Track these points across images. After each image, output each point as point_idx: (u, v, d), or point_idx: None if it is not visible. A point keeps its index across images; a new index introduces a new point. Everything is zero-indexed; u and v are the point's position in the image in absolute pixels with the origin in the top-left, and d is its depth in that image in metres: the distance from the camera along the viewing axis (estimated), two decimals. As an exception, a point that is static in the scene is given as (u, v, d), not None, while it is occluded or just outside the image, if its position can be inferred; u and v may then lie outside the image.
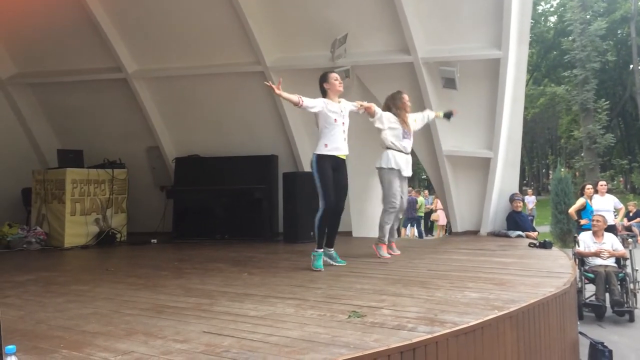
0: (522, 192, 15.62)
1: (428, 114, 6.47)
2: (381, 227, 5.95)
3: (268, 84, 5.12)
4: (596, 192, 9.44)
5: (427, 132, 8.05)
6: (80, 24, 8.60)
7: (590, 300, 6.90)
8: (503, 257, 5.81)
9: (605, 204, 9.22)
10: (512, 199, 8.15)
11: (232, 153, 8.69)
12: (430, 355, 2.68)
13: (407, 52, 7.71)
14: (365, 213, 9.28)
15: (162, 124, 9.39)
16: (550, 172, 44.62)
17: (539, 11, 36.23)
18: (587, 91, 28.01)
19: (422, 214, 17.97)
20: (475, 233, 8.20)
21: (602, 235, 7.26)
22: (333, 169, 5.16)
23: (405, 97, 6.02)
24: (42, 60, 9.28)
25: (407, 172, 5.95)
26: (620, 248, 7.21)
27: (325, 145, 5.16)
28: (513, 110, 8.12)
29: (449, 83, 7.63)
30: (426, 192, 20.68)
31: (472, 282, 4.25)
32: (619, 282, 6.80)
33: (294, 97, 5.02)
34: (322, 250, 5.15)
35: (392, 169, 5.83)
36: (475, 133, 7.94)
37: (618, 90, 34.85)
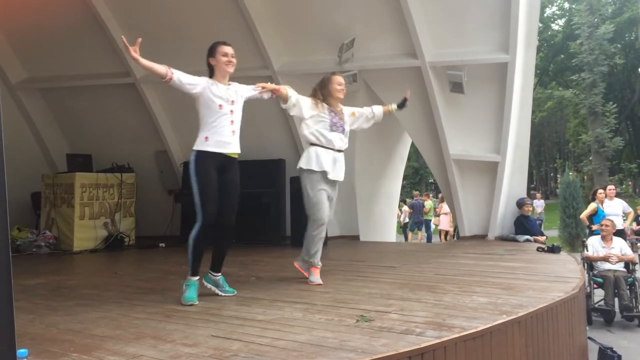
0: (530, 196, 15.57)
1: (374, 111, 5.08)
2: (308, 245, 4.77)
3: (123, 40, 3.91)
4: (605, 196, 9.41)
5: (435, 136, 8.06)
6: (89, 29, 8.66)
7: (599, 305, 6.86)
8: (511, 262, 5.79)
9: (614, 208, 9.19)
10: (521, 203, 8.12)
11: (239, 157, 8.70)
12: (439, 360, 2.68)
13: (414, 56, 7.71)
14: (373, 217, 9.29)
15: (170, 128, 9.43)
16: (558, 176, 44.46)
17: (546, 15, 36.14)
18: (595, 94, 27.90)
19: (431, 218, 17.91)
20: (483, 237, 8.17)
21: (611, 239, 7.22)
22: (218, 171, 3.99)
23: (338, 79, 4.80)
24: (52, 65, 9.35)
25: (336, 174, 4.69)
26: (629, 252, 7.18)
27: (206, 138, 3.94)
28: (521, 114, 8.10)
29: (457, 87, 7.62)
30: (431, 195, 20.60)
31: (480, 286, 4.24)
32: (628, 287, 6.76)
33: (161, 68, 3.92)
34: (196, 278, 3.95)
35: (311, 170, 4.62)
36: (483, 137, 7.92)
37: (626, 93, 34.68)
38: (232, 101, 4.05)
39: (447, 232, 16.27)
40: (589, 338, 5.17)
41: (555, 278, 4.63)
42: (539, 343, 3.41)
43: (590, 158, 29.82)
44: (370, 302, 3.74)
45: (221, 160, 3.98)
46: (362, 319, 3.20)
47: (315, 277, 4.64)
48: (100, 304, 3.99)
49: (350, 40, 7.81)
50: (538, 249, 6.69)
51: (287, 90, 4.59)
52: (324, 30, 7.98)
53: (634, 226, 13.03)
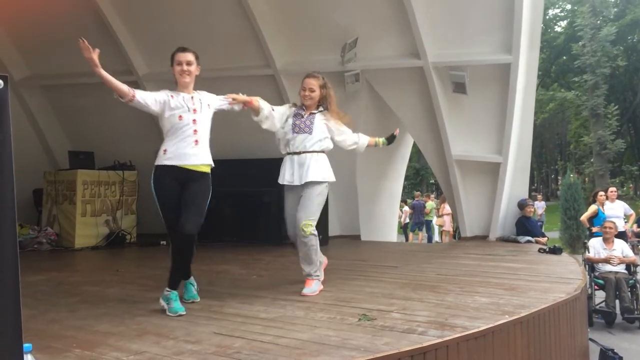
0: (532, 198, 15.56)
1: (359, 141, 4.69)
2: (314, 260, 4.27)
3: (83, 42, 3.50)
4: (606, 198, 9.41)
5: (437, 136, 8.05)
6: (92, 27, 8.66)
7: (600, 307, 6.86)
8: (512, 263, 5.79)
9: (615, 210, 9.19)
10: (523, 204, 8.12)
11: (241, 156, 8.70)
12: (441, 359, 2.68)
13: (417, 56, 7.71)
14: (374, 216, 9.29)
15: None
16: (560, 177, 44.43)
17: (549, 16, 36.11)
18: (597, 96, 27.86)
19: (432, 218, 17.89)
20: (484, 238, 8.17)
21: (613, 241, 7.22)
22: (180, 185, 3.73)
23: (305, 83, 4.43)
24: (54, 63, 9.35)
25: (300, 178, 4.35)
26: (630, 254, 7.17)
27: (165, 151, 3.72)
28: (523, 115, 8.10)
29: (459, 88, 7.62)
30: (432, 196, 20.56)
31: (481, 287, 4.25)
32: (629, 289, 6.74)
33: (122, 86, 3.70)
34: (175, 290, 3.65)
35: (281, 184, 4.48)
36: (485, 138, 7.92)
37: (628, 95, 34.64)
38: (195, 110, 3.76)
39: (448, 233, 16.25)
40: (591, 339, 5.17)
41: (557, 279, 4.63)
42: (540, 343, 3.41)
43: (592, 160, 29.78)
44: (373, 301, 3.74)
45: (183, 173, 3.70)
46: (365, 317, 3.20)
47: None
48: (102, 300, 4.00)
49: (353, 40, 7.81)
50: (539, 250, 6.69)
51: (259, 102, 4.31)
52: (327, 30, 7.98)
53: (635, 228, 13.03)
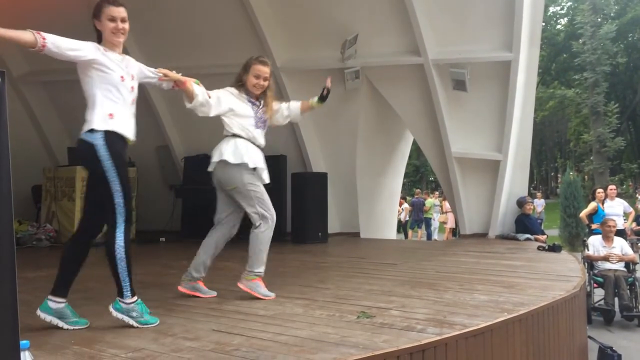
0: (531, 195, 15.53)
1: (291, 108, 4.35)
2: (262, 250, 4.15)
3: None
4: (606, 196, 9.41)
5: (437, 134, 8.05)
6: (90, 22, 8.64)
7: (599, 305, 6.86)
8: (512, 260, 5.79)
9: (615, 208, 9.19)
10: (523, 201, 8.12)
11: None
12: (440, 356, 2.68)
13: (417, 53, 7.70)
14: (373, 214, 9.28)
15: (172, 124, 9.43)
16: (559, 175, 44.45)
17: (549, 13, 36.07)
18: (597, 94, 27.88)
19: (431, 216, 17.87)
20: (483, 236, 8.17)
21: (612, 239, 7.22)
22: None
23: (257, 69, 3.98)
24: (54, 58, 9.32)
25: (266, 176, 4.15)
26: (629, 252, 7.17)
27: (110, 115, 3.09)
28: (523, 112, 8.09)
29: (459, 85, 7.61)
30: (436, 193, 20.48)
31: (481, 284, 4.25)
32: (628, 287, 6.75)
33: (25, 34, 2.92)
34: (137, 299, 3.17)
35: (243, 164, 3.90)
36: (485, 135, 7.92)
37: (628, 93, 34.64)
38: (132, 76, 3.22)
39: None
40: (589, 337, 5.17)
41: (556, 277, 4.63)
42: (539, 341, 3.41)
43: (592, 158, 29.80)
44: (372, 298, 3.74)
45: (125, 148, 3.18)
46: (363, 315, 3.20)
47: (265, 289, 4.00)
48: (101, 297, 3.98)
49: (354, 37, 7.79)
50: (539, 248, 6.70)
51: (194, 86, 3.73)
52: (327, 27, 7.97)
53: (634, 226, 13.03)
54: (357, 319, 3.12)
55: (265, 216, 4.06)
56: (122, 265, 3.12)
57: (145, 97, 9.16)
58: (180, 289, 3.99)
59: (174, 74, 3.56)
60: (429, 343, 2.65)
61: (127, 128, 3.13)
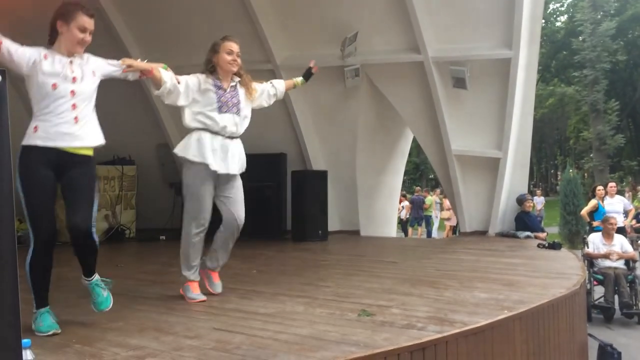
0: (531, 193, 15.52)
1: (276, 86, 4.17)
2: (187, 251, 3.91)
3: None
4: (606, 193, 9.41)
5: (437, 131, 8.04)
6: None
7: (599, 302, 6.87)
8: (512, 258, 5.80)
9: (615, 206, 9.19)
10: (522, 199, 8.12)
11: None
12: (440, 354, 2.69)
13: (417, 51, 7.69)
14: (374, 211, 9.28)
15: (172, 121, 9.41)
16: (559, 172, 44.43)
17: (549, 10, 36.03)
18: (597, 92, 27.83)
19: (431, 213, 17.85)
20: (483, 233, 8.17)
21: (612, 237, 7.22)
22: (55, 171, 3.02)
23: (229, 46, 3.82)
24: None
25: (227, 167, 3.74)
26: (629, 250, 7.17)
27: (35, 128, 2.99)
28: (523, 110, 8.09)
29: (459, 83, 7.61)
30: (437, 190, 20.42)
31: (481, 282, 4.25)
32: (628, 284, 6.74)
33: None
34: (45, 308, 3.03)
35: (191, 161, 3.70)
36: (485, 133, 7.91)
37: (628, 90, 34.59)
38: (74, 78, 3.05)
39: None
40: (589, 335, 5.17)
41: (556, 274, 4.64)
42: (539, 339, 3.42)
43: (591, 155, 29.76)
44: (372, 296, 3.74)
45: (59, 156, 2.99)
46: (364, 313, 3.21)
47: (195, 292, 3.78)
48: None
49: (353, 34, 7.78)
50: (539, 246, 6.70)
51: (162, 72, 3.55)
52: (327, 24, 7.96)
53: (634, 223, 13.04)
54: (358, 317, 3.13)
55: (189, 216, 3.91)
56: (27, 278, 2.99)
57: (145, 95, 9.16)
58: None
59: (138, 63, 3.42)
60: (429, 341, 2.65)
61: (57, 138, 2.98)
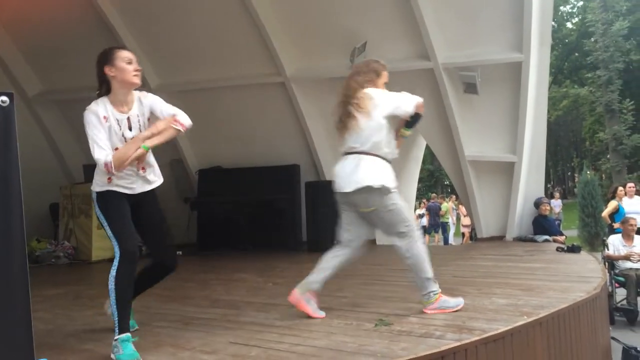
0: (548, 196, 15.36)
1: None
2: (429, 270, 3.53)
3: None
4: (625, 194, 9.28)
5: (449, 138, 8.00)
6: (102, 40, 8.71)
7: (621, 305, 6.76)
8: (530, 262, 5.72)
9: (634, 206, 9.04)
10: (539, 202, 8.04)
11: (254, 164, 8.72)
12: (459, 363, 2.65)
13: (427, 58, 7.68)
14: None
15: (185, 137, 9.47)
16: (576, 175, 43.99)
17: (560, 13, 35.85)
18: (612, 92, 27.56)
19: (448, 220, 17.74)
20: (500, 238, 8.09)
21: (632, 238, 7.12)
22: (132, 207, 3.20)
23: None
24: (67, 77, 9.43)
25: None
26: (650, 251, 7.06)
27: (109, 180, 3.07)
28: (536, 113, 8.03)
29: (470, 88, 7.57)
30: (453, 197, 20.29)
31: (499, 288, 4.20)
32: (650, 286, 6.64)
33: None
34: (127, 334, 2.82)
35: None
36: (498, 137, 7.86)
37: (643, 89, 34.22)
38: (131, 128, 3.10)
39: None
40: (613, 338, 5.09)
41: (577, 278, 4.57)
42: (561, 344, 3.36)
43: (608, 156, 29.43)
44: (389, 305, 3.71)
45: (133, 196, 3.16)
46: (381, 322, 3.18)
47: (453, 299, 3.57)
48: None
49: (362, 44, 7.79)
50: (558, 249, 6.61)
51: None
52: (336, 35, 7.98)
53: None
54: (375, 327, 3.10)
55: None
56: (111, 296, 2.93)
57: (157, 112, 9.23)
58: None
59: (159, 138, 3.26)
60: (448, 349, 2.62)
61: (128, 190, 3.15)
